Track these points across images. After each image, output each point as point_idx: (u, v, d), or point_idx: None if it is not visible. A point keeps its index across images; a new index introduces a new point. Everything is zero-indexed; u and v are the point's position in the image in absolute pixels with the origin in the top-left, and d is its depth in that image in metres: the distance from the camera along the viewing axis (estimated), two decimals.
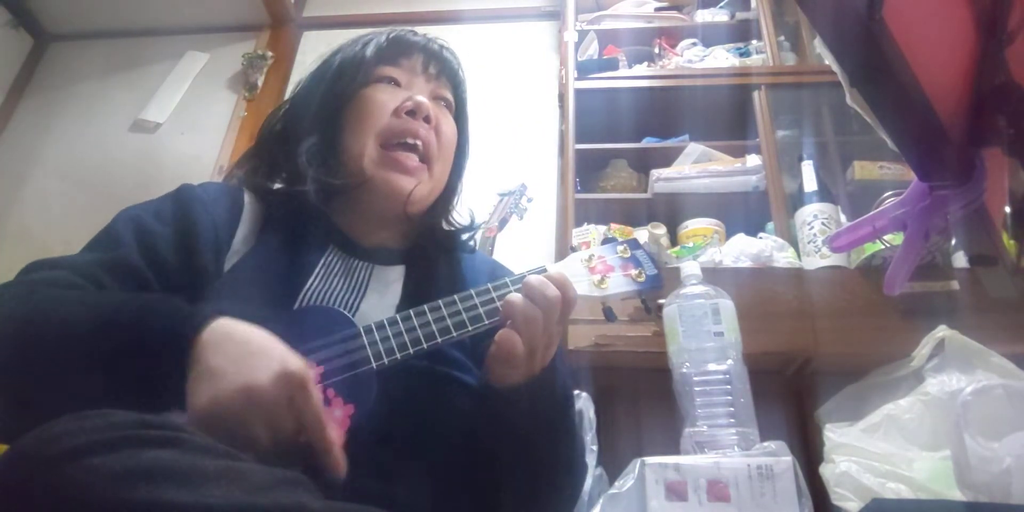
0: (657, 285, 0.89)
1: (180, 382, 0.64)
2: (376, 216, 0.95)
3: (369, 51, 0.96)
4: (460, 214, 1.05)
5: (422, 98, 0.93)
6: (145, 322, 0.68)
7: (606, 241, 0.92)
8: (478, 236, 1.05)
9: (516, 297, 0.76)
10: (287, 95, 1.05)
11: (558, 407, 0.84)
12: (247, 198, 0.94)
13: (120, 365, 0.66)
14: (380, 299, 0.88)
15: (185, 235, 0.85)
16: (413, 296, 0.89)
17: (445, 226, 1.01)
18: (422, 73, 0.97)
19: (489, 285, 0.81)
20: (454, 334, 0.77)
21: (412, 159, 0.92)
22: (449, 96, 1.00)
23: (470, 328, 0.78)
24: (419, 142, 0.92)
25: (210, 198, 0.91)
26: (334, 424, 0.67)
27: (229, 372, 0.63)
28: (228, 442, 0.61)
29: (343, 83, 0.95)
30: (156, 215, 0.87)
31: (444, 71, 1.00)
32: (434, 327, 0.77)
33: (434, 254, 0.96)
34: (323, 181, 0.90)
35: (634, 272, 0.88)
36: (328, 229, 0.93)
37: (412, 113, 0.92)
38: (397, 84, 0.96)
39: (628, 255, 0.90)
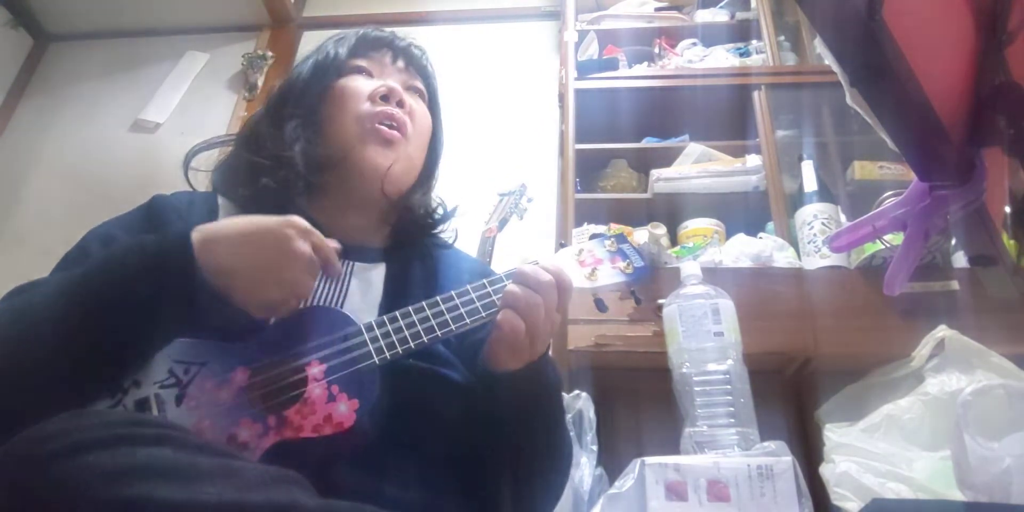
0: (644, 276, 0.92)
1: (199, 283, 0.69)
2: (355, 203, 0.96)
3: (340, 48, 1.01)
4: (436, 204, 1.07)
5: (394, 84, 0.99)
6: (133, 258, 0.71)
7: (594, 236, 0.95)
8: (453, 226, 1.07)
9: (515, 287, 0.79)
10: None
11: (552, 392, 0.86)
12: (221, 202, 0.94)
13: (129, 301, 0.68)
14: (362, 297, 0.89)
15: None
16: (395, 293, 0.90)
17: (422, 214, 1.02)
18: (391, 65, 1.03)
19: (484, 280, 0.83)
20: (453, 327, 0.79)
21: (392, 132, 0.95)
22: (420, 86, 1.05)
23: (468, 321, 0.80)
24: (395, 123, 0.96)
25: (183, 205, 0.91)
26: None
27: (247, 256, 0.71)
28: (292, 300, 0.74)
29: (317, 78, 0.99)
30: (127, 228, 0.87)
31: (412, 64, 1.05)
32: (433, 322, 0.79)
33: (413, 251, 0.98)
34: (307, 155, 0.92)
35: (622, 264, 0.91)
36: None
37: (386, 98, 0.96)
38: (369, 74, 1.00)
39: (615, 248, 0.93)
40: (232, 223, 0.74)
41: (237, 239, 0.72)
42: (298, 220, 0.75)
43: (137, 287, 0.68)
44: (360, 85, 0.98)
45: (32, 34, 2.80)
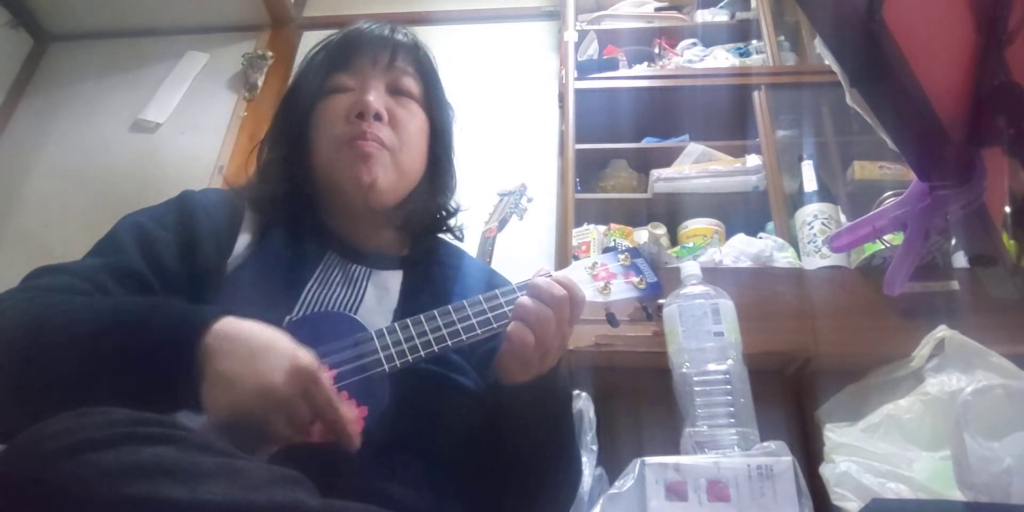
0: (657, 292, 0.92)
1: (188, 384, 0.64)
2: (358, 216, 0.96)
3: (321, 60, 0.97)
4: (456, 202, 1.04)
5: (369, 97, 0.92)
6: (148, 325, 0.68)
7: (607, 250, 0.96)
8: (459, 222, 1.05)
9: (526, 299, 0.78)
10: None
11: (562, 404, 0.86)
12: (247, 205, 0.94)
13: (125, 370, 0.66)
14: (378, 303, 0.89)
15: (187, 240, 0.85)
16: (411, 301, 0.89)
17: (426, 216, 1.00)
18: (374, 67, 0.95)
19: (497, 291, 0.82)
20: (464, 338, 0.79)
21: (370, 145, 0.90)
22: (410, 83, 0.97)
23: (479, 331, 0.79)
24: (370, 140, 0.91)
25: (212, 204, 0.92)
26: (346, 405, 0.68)
27: (241, 375, 0.64)
28: (253, 439, 0.64)
29: (302, 100, 0.96)
30: (158, 221, 0.87)
31: (399, 57, 0.97)
32: (444, 331, 0.78)
33: (431, 259, 0.97)
34: (292, 197, 0.92)
35: (635, 279, 0.91)
36: (325, 235, 0.94)
37: (360, 115, 0.91)
38: (349, 88, 0.95)
39: (629, 263, 0.93)
40: (250, 331, 0.67)
41: (238, 350, 0.65)
42: (301, 363, 0.66)
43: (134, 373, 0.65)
44: (337, 105, 0.93)
45: (32, 34, 2.80)
